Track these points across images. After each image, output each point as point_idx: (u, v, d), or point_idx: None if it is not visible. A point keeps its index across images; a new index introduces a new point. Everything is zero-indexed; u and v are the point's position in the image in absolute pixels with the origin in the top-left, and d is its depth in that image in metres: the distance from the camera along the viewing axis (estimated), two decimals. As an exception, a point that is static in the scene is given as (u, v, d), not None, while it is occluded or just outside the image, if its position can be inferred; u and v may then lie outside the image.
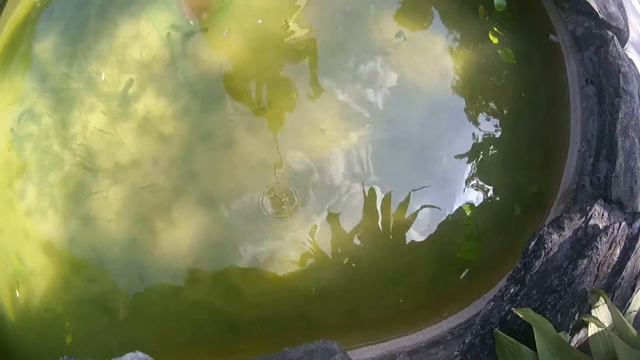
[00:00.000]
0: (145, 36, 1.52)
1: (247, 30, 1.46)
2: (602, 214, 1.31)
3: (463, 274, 1.42)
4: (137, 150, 1.47)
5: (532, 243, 1.31)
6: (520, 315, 1.13)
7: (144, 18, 1.55)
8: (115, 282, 1.49)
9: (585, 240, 1.25)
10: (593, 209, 1.32)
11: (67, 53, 1.62)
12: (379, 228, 1.39)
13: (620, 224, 1.27)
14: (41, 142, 1.63)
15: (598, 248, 1.23)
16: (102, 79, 1.50)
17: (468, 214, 1.42)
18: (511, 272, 1.29)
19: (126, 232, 1.47)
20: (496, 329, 1.14)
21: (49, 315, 1.58)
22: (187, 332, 1.43)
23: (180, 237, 1.43)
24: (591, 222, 1.28)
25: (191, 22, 1.49)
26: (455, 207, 1.42)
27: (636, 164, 1.40)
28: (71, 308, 1.52)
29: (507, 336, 1.12)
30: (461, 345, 1.21)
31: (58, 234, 1.57)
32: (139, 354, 1.16)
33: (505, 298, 1.24)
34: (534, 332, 1.07)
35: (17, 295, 1.62)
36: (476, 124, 1.50)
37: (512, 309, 1.17)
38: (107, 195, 1.48)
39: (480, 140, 1.48)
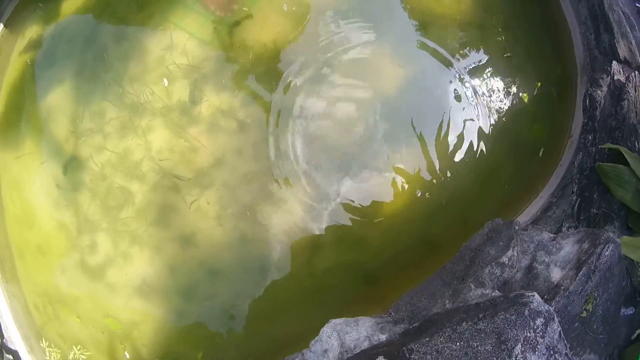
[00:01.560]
0: (182, 43, 1.52)
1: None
2: (619, 70, 1.57)
3: (540, 152, 1.56)
4: (217, 148, 1.45)
5: (587, 101, 1.53)
6: (613, 147, 1.36)
7: (171, 28, 1.55)
8: (238, 285, 1.43)
9: (618, 90, 1.50)
10: (612, 68, 1.56)
11: (96, 87, 1.56)
12: (471, 147, 1.50)
13: (635, 73, 1.53)
14: (99, 185, 1.54)
15: (629, 92, 1.49)
16: (165, 84, 1.46)
17: (526, 101, 1.58)
18: (582, 127, 1.51)
19: (233, 231, 1.43)
20: (597, 164, 1.37)
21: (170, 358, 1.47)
22: (330, 298, 1.41)
23: (290, 213, 1.43)
24: (615, 77, 1.53)
25: (223, 15, 1.52)
26: (516, 98, 1.57)
27: (627, 30, 1.68)
28: (194, 335, 1.44)
29: (607, 163, 1.35)
30: (571, 195, 1.42)
31: (153, 269, 1.48)
32: (334, 320, 1.15)
33: (588, 145, 1.46)
34: (626, 156, 1.32)
35: (128, 356, 1.49)
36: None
37: (599, 146, 1.41)
38: (200, 204, 1.44)
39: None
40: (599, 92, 1.57)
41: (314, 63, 1.49)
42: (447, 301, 1.29)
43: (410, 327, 1.22)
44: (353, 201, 1.45)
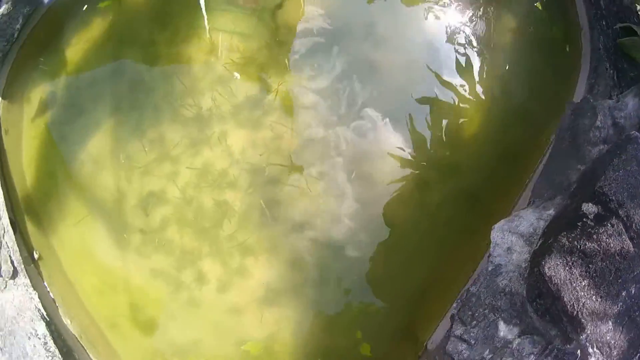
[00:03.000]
0: (225, 42, 1.49)
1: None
2: None
3: (567, 48, 1.71)
4: (301, 126, 1.42)
5: None
6: (623, 25, 1.50)
7: (205, 33, 1.51)
8: (367, 250, 1.40)
9: None
10: None
11: (143, 115, 1.47)
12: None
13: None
14: (185, 210, 1.44)
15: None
16: (237, 77, 1.41)
17: (540, 8, 1.74)
18: (593, 16, 1.66)
19: (346, 201, 1.41)
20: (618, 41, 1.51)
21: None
22: (449, 232, 1.42)
23: (392, 165, 1.43)
24: None
25: (255, 5, 1.51)
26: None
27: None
28: (342, 320, 1.37)
29: (624, 39, 1.51)
30: (607, 70, 1.56)
31: (275, 272, 1.40)
32: (496, 225, 1.15)
33: (605, 28, 1.60)
34: (635, 29, 1.49)
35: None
36: None
37: (613, 27, 1.56)
38: (302, 186, 1.39)
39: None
40: None
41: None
42: (578, 165, 1.33)
43: (572, 189, 1.26)
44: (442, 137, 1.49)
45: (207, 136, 1.43)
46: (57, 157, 1.57)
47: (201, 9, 1.53)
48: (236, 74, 1.42)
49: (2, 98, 1.64)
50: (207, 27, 1.50)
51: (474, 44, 1.63)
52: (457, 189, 1.47)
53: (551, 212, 1.27)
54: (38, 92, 1.62)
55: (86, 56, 1.60)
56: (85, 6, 1.58)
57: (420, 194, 1.46)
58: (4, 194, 1.52)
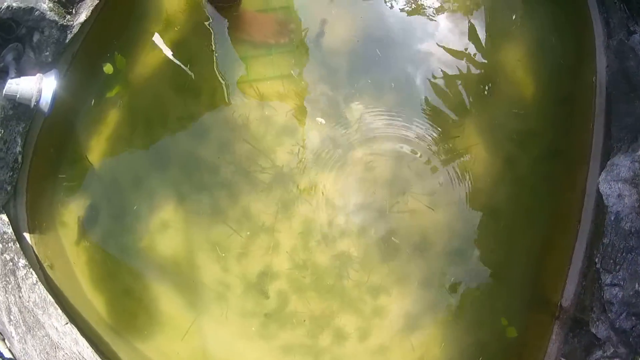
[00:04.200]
0: (271, 91, 1.35)
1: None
2: None
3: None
4: (388, 152, 1.35)
5: None
6: None
7: (246, 88, 1.37)
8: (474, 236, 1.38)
9: None
10: None
11: (215, 197, 1.33)
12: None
13: None
14: (303, 278, 1.34)
15: None
16: (323, 122, 1.29)
17: None
18: None
19: (447, 208, 1.37)
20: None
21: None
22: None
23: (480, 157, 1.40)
24: None
25: (287, 40, 1.38)
26: None
27: None
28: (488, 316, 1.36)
29: None
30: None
31: (409, 298, 1.35)
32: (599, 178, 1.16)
33: None
34: None
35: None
36: None
37: None
38: (401, 207, 1.34)
39: None
40: None
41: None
42: None
43: None
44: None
45: (296, 194, 1.32)
46: (128, 271, 1.38)
47: (229, 61, 1.37)
48: (319, 119, 1.30)
49: (31, 233, 1.40)
50: (246, 81, 1.34)
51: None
52: (537, 150, 1.47)
53: None
54: (72, 212, 1.40)
55: (114, 154, 1.40)
56: (93, 101, 1.36)
57: (511, 172, 1.45)
58: (83, 338, 1.32)
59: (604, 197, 1.29)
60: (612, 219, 1.27)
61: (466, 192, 1.39)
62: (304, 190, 1.31)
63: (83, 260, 1.40)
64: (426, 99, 1.42)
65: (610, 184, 1.31)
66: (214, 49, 1.38)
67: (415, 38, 1.46)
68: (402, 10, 1.48)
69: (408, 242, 1.35)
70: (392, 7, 1.47)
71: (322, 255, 1.32)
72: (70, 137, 1.40)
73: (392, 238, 1.34)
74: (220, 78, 1.38)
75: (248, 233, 1.32)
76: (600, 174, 1.35)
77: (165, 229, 1.35)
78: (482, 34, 1.51)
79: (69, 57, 1.37)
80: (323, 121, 1.30)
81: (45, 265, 1.39)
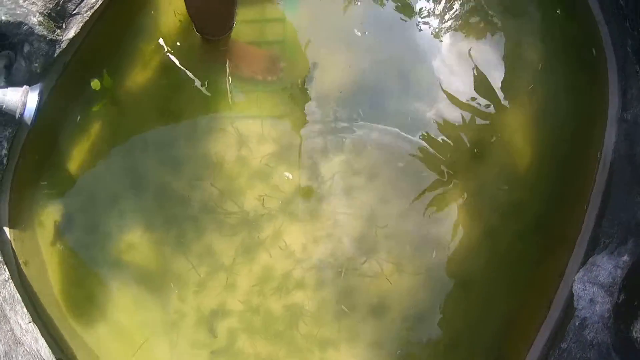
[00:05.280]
0: (255, 131, 1.32)
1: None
2: None
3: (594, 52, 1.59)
4: (362, 207, 1.31)
5: None
6: None
7: (228, 123, 1.34)
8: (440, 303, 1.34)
9: None
10: None
11: (183, 228, 1.33)
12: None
13: None
14: (254, 319, 1.34)
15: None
16: (290, 177, 1.27)
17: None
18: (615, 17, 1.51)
19: (417, 268, 1.33)
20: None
21: None
22: (524, 269, 1.37)
23: (457, 221, 1.34)
24: None
25: (276, 78, 1.34)
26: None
27: None
28: None
29: None
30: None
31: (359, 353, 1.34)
32: (575, 276, 1.10)
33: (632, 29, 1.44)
34: None
35: None
36: None
37: None
38: (373, 269, 1.31)
39: None
40: None
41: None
42: None
43: None
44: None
45: (260, 239, 1.31)
46: (94, 280, 1.43)
47: (213, 93, 1.34)
48: (287, 174, 1.27)
49: (11, 228, 1.45)
50: (228, 117, 1.32)
51: (499, 61, 1.51)
52: (522, 224, 1.40)
53: (626, 258, 1.24)
54: (50, 216, 1.44)
55: (94, 170, 1.42)
56: (79, 116, 1.38)
57: (490, 244, 1.39)
58: (42, 333, 1.39)
59: (575, 298, 1.21)
60: (577, 324, 1.20)
61: (437, 261, 1.35)
62: (267, 238, 1.31)
63: (56, 261, 1.45)
64: (408, 159, 1.36)
65: (586, 286, 1.23)
66: (200, 78, 1.36)
67: (408, 94, 1.39)
68: (397, 58, 1.41)
69: (365, 303, 1.33)
70: (388, 55, 1.40)
71: (275, 303, 1.32)
72: (54, 147, 1.43)
73: (348, 299, 1.32)
74: (202, 109, 1.36)
75: (207, 269, 1.33)
76: (579, 270, 1.29)
77: (131, 251, 1.38)
78: (485, 92, 1.43)
79: (58, 69, 1.38)
80: (290, 176, 1.28)
81: (20, 261, 1.45)
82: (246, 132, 1.32)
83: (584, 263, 1.33)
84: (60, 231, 1.44)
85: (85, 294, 1.42)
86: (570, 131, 1.48)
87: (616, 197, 1.38)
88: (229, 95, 1.35)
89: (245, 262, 1.31)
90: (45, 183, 1.43)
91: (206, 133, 1.34)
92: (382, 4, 1.48)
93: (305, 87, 1.34)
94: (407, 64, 1.41)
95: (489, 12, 1.53)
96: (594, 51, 1.53)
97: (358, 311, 1.33)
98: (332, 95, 1.35)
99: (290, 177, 1.27)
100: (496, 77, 1.50)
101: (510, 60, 1.50)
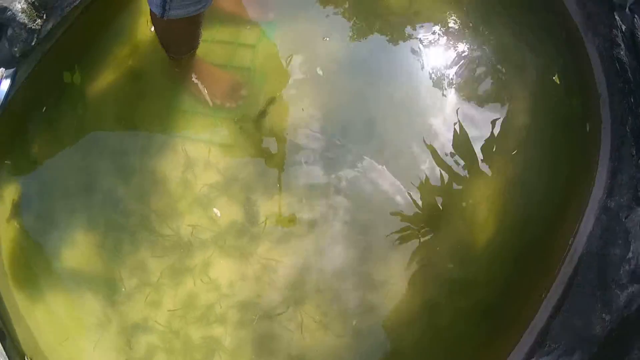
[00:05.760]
0: (202, 157, 1.29)
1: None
2: (623, 19, 1.39)
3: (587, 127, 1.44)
4: (295, 258, 1.26)
5: (617, 65, 1.39)
6: None
7: (180, 144, 1.31)
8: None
9: (630, 40, 1.33)
10: (617, 20, 1.40)
11: (121, 239, 1.33)
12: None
13: (635, 17, 1.36)
14: (174, 343, 1.33)
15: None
16: (218, 215, 1.25)
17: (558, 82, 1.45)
18: (619, 91, 1.38)
19: (343, 331, 1.27)
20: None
21: None
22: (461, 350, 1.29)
23: (397, 292, 1.27)
24: (623, 28, 1.35)
25: (235, 106, 1.29)
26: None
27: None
28: None
29: None
30: (633, 158, 1.30)
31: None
32: None
33: (633, 107, 1.32)
34: None
35: None
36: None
37: None
38: (298, 320, 1.26)
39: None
40: (621, 51, 1.41)
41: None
42: (604, 315, 1.18)
43: (594, 350, 1.13)
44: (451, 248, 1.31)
45: (189, 267, 1.30)
46: (38, 266, 1.47)
47: (171, 109, 1.32)
48: (216, 210, 1.24)
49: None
50: (181, 138, 1.30)
51: (482, 124, 1.40)
52: (468, 304, 1.32)
53: None
54: (10, 193, 1.48)
55: (56, 162, 1.44)
56: (45, 107, 1.39)
57: (430, 316, 1.32)
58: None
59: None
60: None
61: (367, 325, 1.30)
62: (196, 266, 1.29)
63: (9, 237, 1.50)
64: (356, 214, 1.30)
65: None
66: (164, 92, 1.34)
67: (368, 143, 1.31)
68: (362, 104, 1.33)
69: (284, 353, 1.30)
70: (352, 100, 1.32)
71: (196, 331, 1.32)
72: (21, 131, 1.46)
73: (267, 344, 1.29)
74: (159, 124, 1.34)
75: (137, 282, 1.34)
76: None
77: (73, 247, 1.40)
78: (463, 152, 1.33)
79: (35, 59, 1.39)
80: (219, 214, 1.24)
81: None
82: (194, 156, 1.29)
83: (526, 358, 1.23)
84: (17, 210, 1.48)
85: (31, 275, 1.47)
86: (544, 211, 1.37)
87: (575, 299, 1.27)
88: (186, 115, 1.32)
89: (171, 284, 1.31)
90: (9, 163, 1.47)
91: (158, 149, 1.32)
92: (355, 42, 1.40)
93: (260, 120, 1.29)
94: (373, 111, 1.33)
95: (478, 68, 1.41)
96: (587, 126, 1.39)
97: (275, 359, 1.30)
98: (285, 135, 1.30)
99: (219, 215, 1.23)
100: (478, 137, 1.39)
101: (496, 122, 1.38)
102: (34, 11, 1.33)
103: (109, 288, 1.37)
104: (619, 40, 1.41)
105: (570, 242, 1.35)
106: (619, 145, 1.40)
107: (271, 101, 1.27)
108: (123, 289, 1.34)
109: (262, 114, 1.27)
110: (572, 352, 1.19)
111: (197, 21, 1.17)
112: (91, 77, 1.39)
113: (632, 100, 1.37)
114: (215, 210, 1.25)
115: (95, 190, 1.38)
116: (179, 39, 1.24)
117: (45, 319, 1.42)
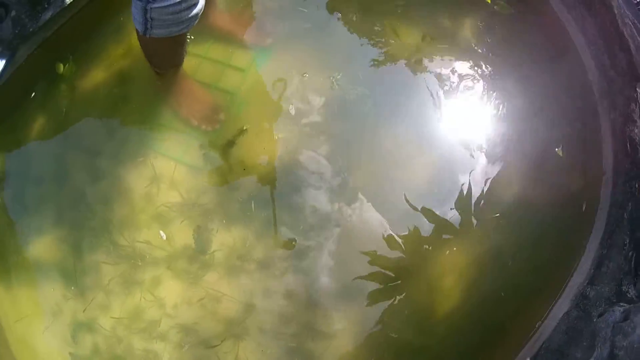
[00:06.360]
0: (168, 173, 1.27)
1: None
2: None
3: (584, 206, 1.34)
4: (241, 293, 1.23)
5: (628, 145, 1.30)
6: None
7: (151, 155, 1.30)
8: None
9: None
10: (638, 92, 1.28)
11: (82, 237, 1.34)
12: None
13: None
14: (115, 348, 1.34)
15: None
16: (164, 238, 1.24)
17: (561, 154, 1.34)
18: (625, 173, 1.28)
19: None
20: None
21: None
22: None
23: (340, 345, 1.23)
24: None
25: (211, 129, 1.26)
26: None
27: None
28: None
29: None
30: (624, 248, 1.20)
31: None
32: None
33: (636, 193, 1.23)
34: None
35: None
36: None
37: None
38: (237, 355, 1.25)
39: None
40: (635, 129, 1.30)
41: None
42: None
43: None
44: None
45: (138, 280, 1.30)
46: (8, 242, 1.50)
47: (149, 119, 1.30)
48: (162, 234, 1.23)
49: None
50: (153, 150, 1.28)
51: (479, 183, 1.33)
52: None
53: None
54: (-6, 164, 1.52)
55: (35, 147, 1.46)
56: (34, 93, 1.40)
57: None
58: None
59: None
60: None
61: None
62: (145, 281, 1.29)
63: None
64: (314, 259, 1.26)
65: None
66: (146, 100, 1.32)
67: (340, 189, 1.26)
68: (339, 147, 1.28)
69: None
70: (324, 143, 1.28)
71: (138, 342, 1.33)
72: (10, 111, 1.48)
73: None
74: (136, 131, 1.33)
75: (90, 283, 1.35)
76: None
77: (38, 235, 1.42)
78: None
79: (35, 44, 1.40)
80: (164, 236, 1.23)
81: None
82: (161, 172, 1.28)
83: None
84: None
85: (1, 250, 1.51)
86: (518, 288, 1.29)
87: None
88: (162, 128, 1.30)
89: (120, 293, 1.31)
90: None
91: (130, 156, 1.32)
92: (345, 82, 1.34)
93: (228, 150, 1.25)
94: (352, 154, 1.28)
95: (483, 125, 1.34)
96: (584, 205, 1.30)
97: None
98: (251, 167, 1.26)
99: (164, 237, 1.22)
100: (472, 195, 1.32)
101: (488, 183, 1.31)
102: (36, -2, 1.34)
103: (64, 281, 1.38)
104: (636, 116, 1.30)
105: (536, 326, 1.28)
106: (612, 231, 1.30)
107: (242, 132, 1.24)
108: (75, 286, 1.36)
109: (230, 143, 1.23)
110: None
111: (180, 40, 1.14)
112: (82, 71, 1.39)
113: (636, 185, 1.27)
114: (161, 232, 1.24)
115: (65, 183, 1.39)
116: (161, 56, 1.21)
117: (6, 295, 1.46)
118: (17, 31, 1.38)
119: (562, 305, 1.31)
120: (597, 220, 1.34)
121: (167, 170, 1.28)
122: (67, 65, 1.38)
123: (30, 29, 1.37)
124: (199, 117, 1.28)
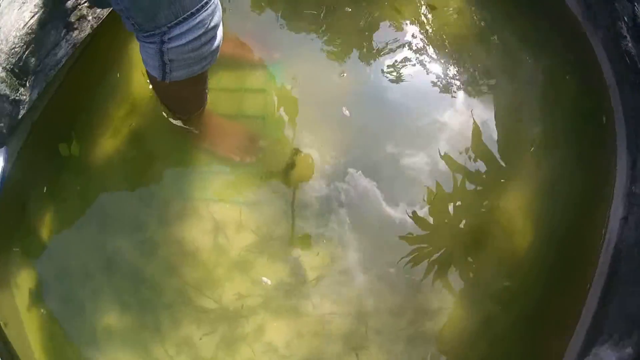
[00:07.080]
0: (233, 219, 1.19)
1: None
2: None
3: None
4: (348, 303, 1.19)
5: None
6: None
7: (203, 208, 1.21)
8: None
9: None
10: None
11: (158, 317, 1.24)
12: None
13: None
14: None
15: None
16: (268, 283, 1.16)
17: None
18: None
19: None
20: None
21: None
22: None
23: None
24: None
25: (254, 160, 1.18)
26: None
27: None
28: None
29: None
30: None
31: None
32: None
33: None
34: None
35: None
36: None
37: None
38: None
39: None
40: (628, 44, 1.29)
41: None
42: None
43: None
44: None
45: (241, 334, 1.22)
46: (71, 353, 1.37)
47: (186, 172, 1.20)
48: (265, 279, 1.15)
49: (-17, 298, 1.39)
50: (203, 201, 1.18)
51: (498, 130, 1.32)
52: (520, 312, 1.28)
53: (629, 350, 1.13)
54: (25, 280, 1.37)
55: (68, 243, 1.32)
56: (45, 187, 1.26)
57: (489, 332, 1.27)
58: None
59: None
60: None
61: (432, 356, 1.25)
62: (249, 333, 1.21)
63: (35, 326, 1.40)
64: (399, 252, 1.23)
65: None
66: (170, 152, 1.21)
67: (399, 187, 1.22)
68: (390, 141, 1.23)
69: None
70: (380, 138, 1.22)
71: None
72: (23, 214, 1.33)
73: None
74: (174, 189, 1.22)
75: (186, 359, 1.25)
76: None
77: (107, 331, 1.30)
78: (486, 163, 1.26)
79: (25, 131, 1.25)
80: (269, 282, 1.15)
81: (0, 322, 1.40)
82: (223, 219, 1.19)
83: (582, 352, 1.21)
84: (37, 297, 1.37)
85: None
86: (574, 205, 1.33)
87: (624, 285, 1.24)
88: (203, 175, 1.20)
89: (226, 356, 1.22)
90: (18, 250, 1.35)
91: (180, 217, 1.21)
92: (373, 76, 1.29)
93: (286, 172, 1.17)
94: (402, 147, 1.23)
95: (488, 74, 1.32)
96: (604, 118, 1.33)
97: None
98: (315, 183, 1.19)
99: (269, 282, 1.15)
100: (494, 144, 1.32)
101: (512, 126, 1.30)
102: (14, 79, 1.17)
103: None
104: (624, 32, 1.32)
105: (604, 230, 1.30)
106: (635, 133, 1.34)
107: (296, 152, 1.16)
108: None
109: (290, 166, 1.15)
110: (630, 332, 1.15)
111: (202, 79, 1.04)
112: (90, 145, 1.26)
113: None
114: (264, 279, 1.16)
115: (117, 269, 1.27)
116: (185, 100, 1.10)
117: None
118: (2, 124, 1.21)
119: (617, 206, 1.34)
120: (618, 126, 1.37)
121: (228, 215, 1.19)
122: (71, 143, 1.24)
123: (19, 116, 1.21)
124: (239, 150, 1.18)
